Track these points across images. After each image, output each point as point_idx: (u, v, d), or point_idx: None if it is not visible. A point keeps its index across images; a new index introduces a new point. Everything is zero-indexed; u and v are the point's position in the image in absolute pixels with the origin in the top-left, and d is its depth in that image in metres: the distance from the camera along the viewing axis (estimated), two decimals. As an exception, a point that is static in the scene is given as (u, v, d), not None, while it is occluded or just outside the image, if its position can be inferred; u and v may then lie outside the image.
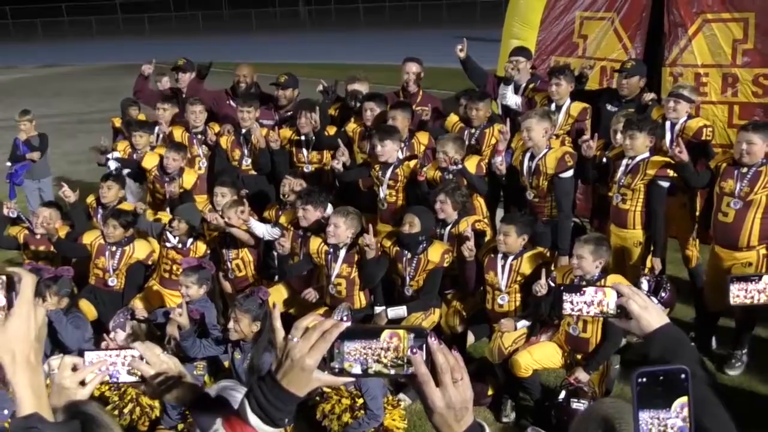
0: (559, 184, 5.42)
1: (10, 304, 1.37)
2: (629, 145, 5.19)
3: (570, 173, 5.45)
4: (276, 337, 1.41)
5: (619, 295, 1.75)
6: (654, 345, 1.72)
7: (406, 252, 5.16)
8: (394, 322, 5.01)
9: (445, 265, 5.11)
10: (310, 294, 5.34)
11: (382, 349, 1.29)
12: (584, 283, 1.72)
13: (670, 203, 5.35)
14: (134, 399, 4.48)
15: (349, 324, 1.32)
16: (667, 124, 5.68)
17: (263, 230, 5.69)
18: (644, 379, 1.25)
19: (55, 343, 4.84)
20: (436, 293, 5.19)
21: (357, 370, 1.30)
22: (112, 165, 6.79)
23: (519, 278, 4.91)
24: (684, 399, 1.26)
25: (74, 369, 1.68)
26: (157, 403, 4.49)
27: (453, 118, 6.43)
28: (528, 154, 5.57)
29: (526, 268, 4.89)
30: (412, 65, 6.71)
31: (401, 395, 4.84)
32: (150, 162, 6.57)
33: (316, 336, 1.29)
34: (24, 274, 1.39)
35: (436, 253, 5.09)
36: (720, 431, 1.68)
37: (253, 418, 1.33)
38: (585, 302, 1.76)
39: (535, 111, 5.67)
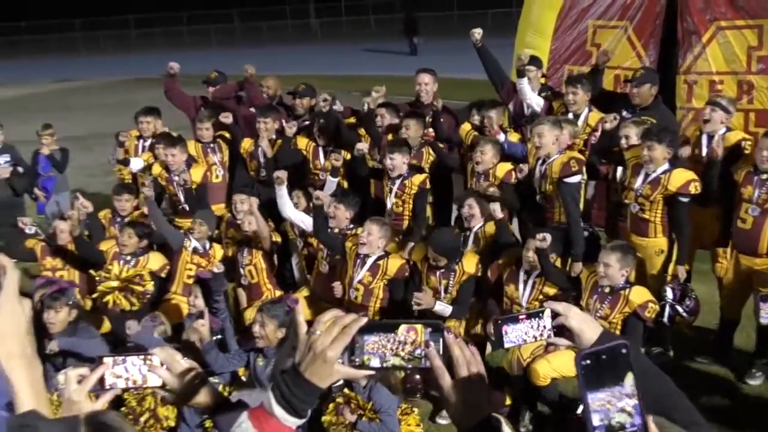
0: (565, 189, 5.36)
1: None
2: (648, 156, 5.07)
3: (576, 178, 5.38)
4: (299, 331, 1.44)
5: (555, 314, 1.72)
6: None
7: (441, 265, 5.09)
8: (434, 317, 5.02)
9: (480, 274, 5.12)
10: (338, 288, 5.35)
11: (399, 342, 1.33)
12: (521, 312, 1.71)
13: (703, 214, 5.30)
14: (151, 409, 4.48)
15: (368, 318, 1.35)
16: (704, 137, 5.58)
17: (292, 213, 5.75)
18: (588, 362, 1.23)
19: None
20: (469, 303, 5.18)
21: (375, 363, 1.34)
22: (135, 166, 6.79)
23: (541, 297, 4.85)
24: (631, 374, 1.24)
25: (81, 381, 1.67)
26: (172, 414, 4.48)
27: (466, 127, 6.46)
28: (540, 160, 5.57)
29: (551, 289, 4.85)
30: (425, 76, 6.72)
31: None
32: (156, 169, 6.60)
33: (337, 329, 1.34)
34: (9, 266, 1.39)
35: (471, 264, 5.10)
36: (685, 419, 1.65)
37: (277, 410, 1.35)
38: (523, 331, 1.72)
39: (547, 118, 5.67)
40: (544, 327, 1.73)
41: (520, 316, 1.73)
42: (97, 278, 5.60)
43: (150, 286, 5.56)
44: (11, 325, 1.35)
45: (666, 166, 5.11)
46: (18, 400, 1.34)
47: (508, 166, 5.84)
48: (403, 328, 1.34)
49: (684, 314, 4.94)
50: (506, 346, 1.72)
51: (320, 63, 25.04)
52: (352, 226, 5.59)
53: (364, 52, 30.31)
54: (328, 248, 5.57)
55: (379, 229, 5.19)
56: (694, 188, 5.02)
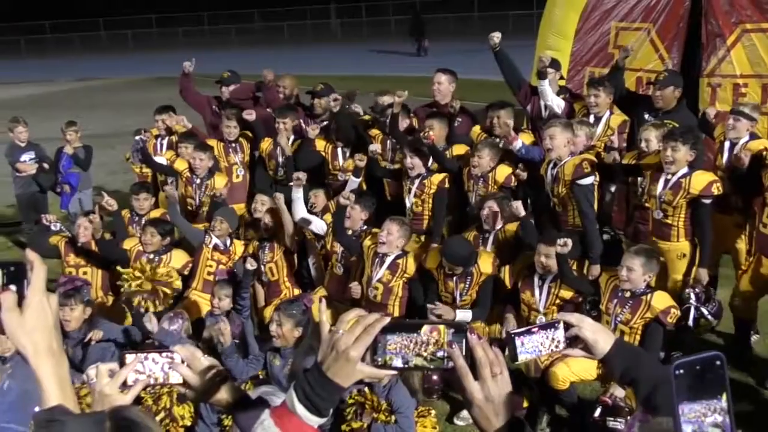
0: (578, 191, 5.31)
1: (21, 294, 1.37)
2: (671, 157, 5.01)
3: (589, 180, 5.33)
4: (321, 330, 1.45)
5: (567, 326, 1.70)
6: (614, 364, 1.70)
7: (457, 272, 5.08)
8: None
9: (497, 273, 5.11)
10: (356, 288, 5.35)
11: (422, 342, 1.33)
12: (533, 325, 1.68)
13: (725, 222, 5.25)
14: (167, 408, 4.49)
15: (390, 318, 1.36)
16: (726, 143, 5.55)
17: (304, 217, 5.75)
18: (681, 371, 1.20)
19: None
20: (490, 301, 5.17)
21: (398, 363, 1.34)
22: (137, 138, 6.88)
23: (558, 301, 4.83)
24: (727, 390, 1.22)
25: (111, 375, 1.69)
26: (188, 413, 4.50)
27: (477, 129, 6.45)
28: (551, 163, 5.54)
29: (567, 291, 4.82)
30: (440, 75, 6.69)
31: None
32: (181, 165, 6.66)
33: (360, 329, 1.34)
34: (36, 262, 1.40)
35: (487, 264, 5.09)
36: None
37: (300, 408, 1.36)
38: (539, 342, 1.69)
39: (559, 120, 5.64)
40: (558, 339, 1.70)
41: (534, 329, 1.70)
42: (125, 276, 5.52)
43: (178, 284, 5.54)
44: (38, 319, 1.36)
45: (686, 169, 5.06)
46: (44, 395, 1.35)
47: (507, 170, 5.81)
48: (426, 328, 1.34)
49: (709, 317, 4.90)
50: (520, 358, 1.66)
51: (340, 63, 25.10)
52: (366, 227, 5.61)
53: (383, 52, 30.35)
54: (346, 249, 5.59)
55: (399, 229, 5.20)
56: (717, 189, 4.98)
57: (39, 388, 1.35)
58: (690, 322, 4.89)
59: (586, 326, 1.69)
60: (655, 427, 1.52)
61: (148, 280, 5.36)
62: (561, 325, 1.70)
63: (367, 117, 7.00)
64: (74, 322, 4.88)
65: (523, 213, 5.22)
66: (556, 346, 1.70)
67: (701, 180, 5.00)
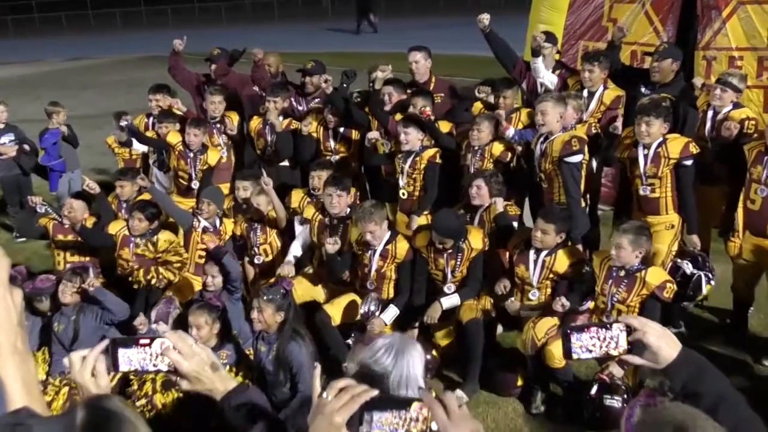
0: (565, 169, 5.25)
1: None
2: (646, 132, 5.01)
3: (577, 158, 5.25)
4: (312, 395, 1.57)
5: (630, 329, 1.63)
6: (678, 374, 1.61)
7: (447, 247, 5.04)
8: (449, 312, 5.07)
9: (486, 248, 5.08)
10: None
11: (411, 419, 1.39)
12: (591, 322, 1.64)
13: (712, 194, 5.22)
14: (149, 395, 4.42)
15: (377, 392, 1.44)
16: (710, 112, 5.52)
17: (299, 246, 5.74)
18: None
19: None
20: (481, 278, 5.14)
21: None
22: (124, 123, 6.78)
23: (551, 275, 4.82)
24: None
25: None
26: (169, 401, 4.41)
27: (479, 105, 6.40)
28: (542, 137, 5.48)
29: (560, 266, 4.80)
30: (415, 54, 6.61)
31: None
32: (174, 138, 6.56)
33: (347, 397, 1.42)
34: None
35: (477, 239, 5.07)
36: None
37: None
38: (590, 342, 1.65)
39: (551, 94, 5.58)
40: (617, 341, 1.65)
41: (591, 326, 1.66)
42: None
43: (186, 256, 5.56)
44: (2, 316, 1.29)
45: (660, 139, 5.06)
46: (8, 397, 1.27)
47: (503, 145, 5.77)
48: (415, 405, 1.39)
49: (712, 282, 4.89)
50: (574, 356, 1.67)
51: (331, 40, 24.85)
52: (349, 210, 5.47)
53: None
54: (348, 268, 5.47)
55: (378, 220, 5.03)
56: (694, 148, 5.00)
57: (2, 389, 1.27)
58: (703, 291, 4.88)
59: (651, 331, 1.61)
60: (659, 414, 1.47)
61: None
62: (619, 327, 1.64)
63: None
64: (69, 297, 4.94)
65: (500, 209, 5.26)
66: (614, 348, 1.64)
67: (677, 144, 5.02)
